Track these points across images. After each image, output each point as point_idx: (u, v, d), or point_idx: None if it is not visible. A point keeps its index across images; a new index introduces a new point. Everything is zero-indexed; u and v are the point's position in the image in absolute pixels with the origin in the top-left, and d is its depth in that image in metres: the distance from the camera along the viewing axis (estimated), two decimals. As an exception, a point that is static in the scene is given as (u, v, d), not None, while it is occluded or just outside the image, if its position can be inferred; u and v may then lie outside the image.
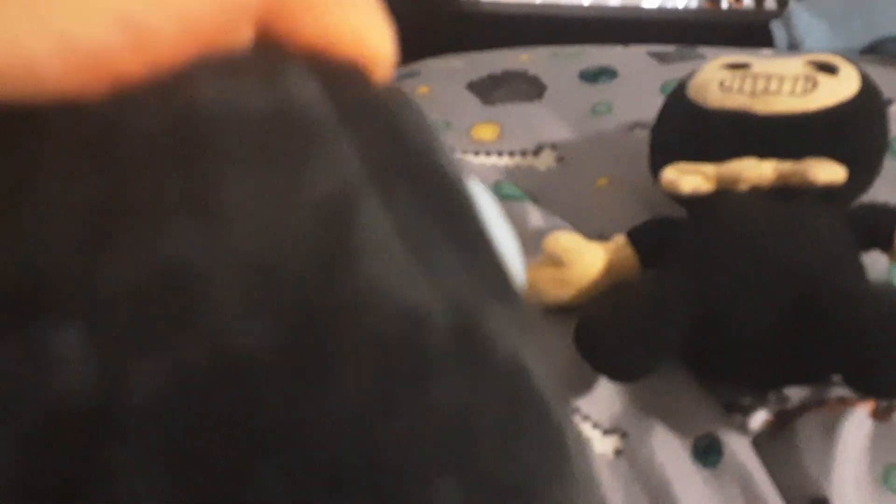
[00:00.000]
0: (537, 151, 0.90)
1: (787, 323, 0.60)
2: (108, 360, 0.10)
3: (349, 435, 0.10)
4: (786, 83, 0.69)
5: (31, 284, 0.10)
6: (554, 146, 0.90)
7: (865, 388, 0.58)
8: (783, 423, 0.62)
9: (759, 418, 0.62)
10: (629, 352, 0.63)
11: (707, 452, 0.61)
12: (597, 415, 0.65)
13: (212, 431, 0.10)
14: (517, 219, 0.81)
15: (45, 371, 0.09)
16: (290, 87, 0.12)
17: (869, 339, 0.56)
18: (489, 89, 0.99)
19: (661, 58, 1.00)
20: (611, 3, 1.40)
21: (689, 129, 0.72)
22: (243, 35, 0.12)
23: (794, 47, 1.06)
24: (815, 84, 0.69)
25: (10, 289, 0.10)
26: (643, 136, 0.80)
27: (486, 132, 0.93)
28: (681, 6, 1.38)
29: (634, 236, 0.71)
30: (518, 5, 1.33)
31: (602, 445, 0.64)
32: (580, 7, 1.35)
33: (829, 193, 0.65)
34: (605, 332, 0.63)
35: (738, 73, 0.72)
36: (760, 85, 0.70)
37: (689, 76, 0.76)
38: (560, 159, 0.89)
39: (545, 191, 0.86)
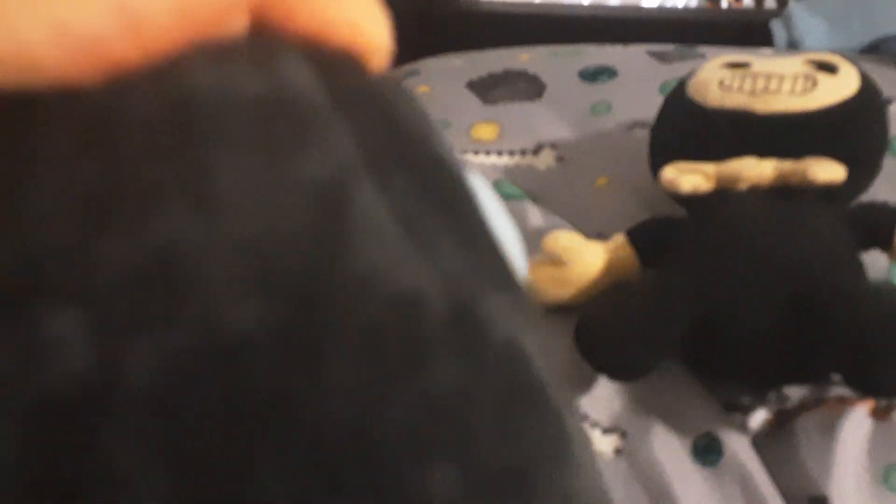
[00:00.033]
0: (537, 151, 0.90)
1: (786, 322, 0.60)
2: (103, 343, 0.10)
3: (343, 419, 0.10)
4: (785, 82, 0.69)
5: (26, 269, 0.10)
6: (553, 145, 0.90)
7: (865, 387, 0.58)
8: (783, 422, 0.62)
9: (758, 417, 0.62)
10: (629, 351, 0.63)
11: (707, 451, 0.61)
12: (596, 414, 0.65)
13: (206, 414, 0.10)
14: (517, 218, 0.81)
15: (41, 355, 0.09)
16: (284, 74, 0.12)
17: (868, 338, 0.56)
18: (489, 88, 0.99)
19: (661, 57, 1.00)
20: (610, 2, 1.40)
21: (688, 128, 0.72)
22: (238, 23, 0.12)
23: (793, 47, 1.06)
24: (814, 83, 0.69)
25: (4, 273, 0.10)
26: (643, 135, 0.80)
27: (485, 131, 0.93)
28: (680, 5, 1.38)
29: (634, 235, 0.71)
30: (518, 4, 1.33)
31: (602, 444, 0.64)
32: (580, 6, 1.35)
33: (828, 192, 0.65)
34: (605, 332, 0.63)
35: (738, 72, 0.72)
36: (760, 84, 0.70)
37: (689, 75, 0.76)
38: (560, 159, 0.89)
39: (545, 190, 0.86)
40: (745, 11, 1.36)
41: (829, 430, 0.60)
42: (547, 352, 0.13)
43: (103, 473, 0.09)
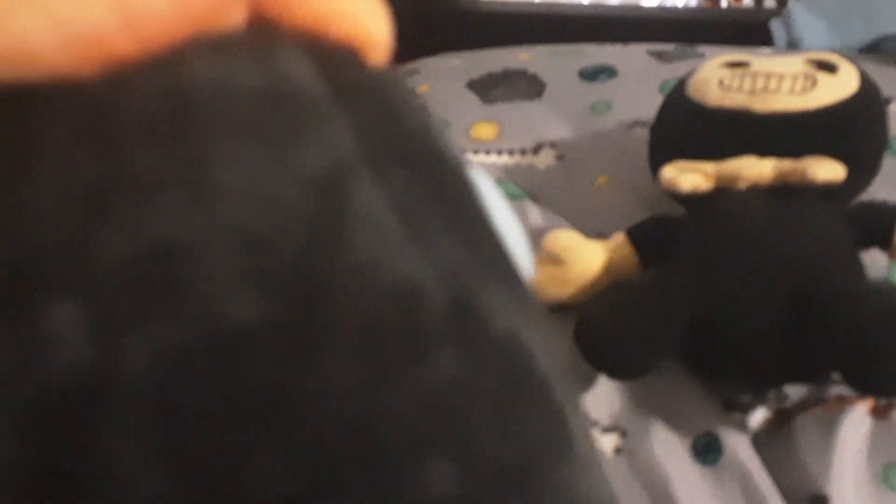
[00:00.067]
0: (537, 150, 0.90)
1: (786, 321, 0.60)
2: (102, 338, 0.10)
3: (340, 411, 0.10)
4: (785, 82, 0.69)
5: (24, 262, 0.10)
6: (553, 145, 0.90)
7: (864, 386, 0.58)
8: (782, 421, 0.62)
9: (758, 416, 0.62)
10: (629, 350, 0.63)
11: (706, 450, 0.61)
12: (596, 413, 0.65)
13: (205, 410, 0.10)
14: (517, 217, 0.81)
15: (40, 350, 0.09)
16: (282, 67, 0.12)
17: (868, 337, 0.56)
18: (489, 88, 0.99)
19: (661, 56, 1.00)
20: (610, 1, 1.40)
21: (688, 127, 0.72)
22: (236, 16, 0.12)
23: (793, 46, 1.06)
24: (814, 82, 0.69)
25: (6, 266, 0.10)
26: (643, 134, 0.80)
27: (485, 131, 0.93)
28: (680, 5, 1.38)
29: (634, 234, 0.71)
30: (518, 4, 1.33)
31: (601, 443, 0.64)
32: (580, 5, 1.35)
33: (828, 192, 0.65)
34: (605, 331, 0.63)
35: (738, 71, 0.72)
36: (760, 83, 0.70)
37: (689, 74, 0.76)
38: (559, 158, 0.89)
39: (545, 189, 0.86)
40: (745, 11, 1.36)
41: (829, 429, 0.60)
42: (548, 349, 0.12)
43: (102, 470, 0.09)
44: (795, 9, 1.09)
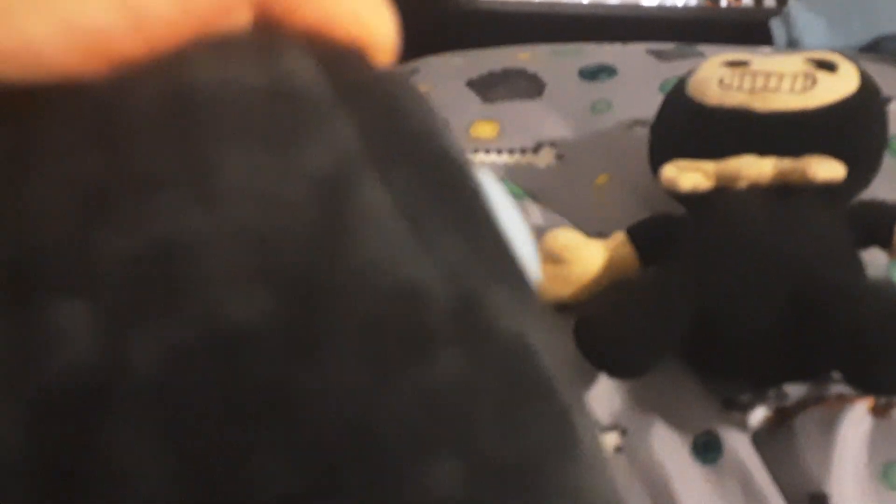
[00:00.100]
0: (537, 149, 0.90)
1: (786, 320, 0.60)
2: (107, 334, 0.10)
3: (341, 410, 0.10)
4: (785, 80, 0.69)
5: (28, 261, 0.10)
6: (553, 144, 0.90)
7: (864, 385, 0.58)
8: (782, 419, 0.62)
9: (758, 415, 0.62)
10: (629, 349, 0.63)
11: (707, 449, 0.62)
12: (596, 412, 0.65)
13: (207, 407, 0.10)
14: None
15: (44, 347, 0.10)
16: (287, 67, 0.12)
17: (868, 336, 0.56)
18: (489, 87, 0.99)
19: (661, 56, 1.00)
20: (610, 1, 1.40)
21: (688, 126, 0.72)
22: (241, 16, 0.12)
23: (793, 45, 1.06)
24: (814, 81, 0.69)
25: (10, 265, 0.10)
26: (643, 133, 0.80)
27: (485, 130, 0.93)
28: (680, 4, 1.38)
29: (634, 233, 0.71)
30: (518, 3, 1.33)
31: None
32: (579, 5, 1.35)
33: (828, 191, 0.65)
34: (605, 330, 0.63)
35: (738, 70, 0.72)
36: (760, 82, 0.70)
37: (689, 74, 0.76)
38: (560, 157, 0.89)
39: (545, 188, 0.86)
40: (745, 10, 1.36)
41: (829, 427, 0.60)
42: (553, 347, 0.12)
43: (105, 467, 0.09)
44: (795, 8, 1.09)
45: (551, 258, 0.69)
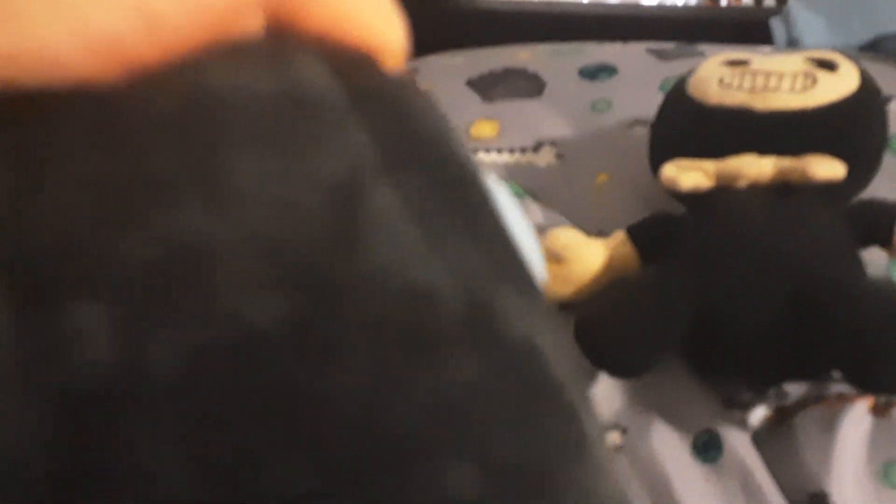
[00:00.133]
0: (537, 148, 0.90)
1: (786, 319, 0.60)
2: (125, 336, 0.10)
3: (357, 411, 0.10)
4: (785, 80, 0.69)
5: (49, 263, 0.10)
6: (553, 143, 0.90)
7: (864, 384, 0.58)
8: (783, 418, 0.62)
9: (758, 414, 0.63)
10: (629, 348, 0.63)
11: (707, 448, 0.62)
12: (596, 411, 0.65)
13: (225, 404, 0.10)
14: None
15: (66, 348, 0.10)
16: (300, 73, 0.12)
17: (868, 335, 0.56)
18: (489, 86, 0.99)
19: (661, 55, 1.01)
20: (610, 0, 1.40)
21: (688, 125, 0.72)
22: (254, 22, 0.12)
23: (793, 44, 1.06)
24: (814, 81, 0.69)
25: (29, 267, 0.10)
26: (643, 132, 0.80)
27: (485, 129, 0.93)
28: (680, 3, 1.38)
29: (634, 233, 0.71)
30: (518, 3, 1.33)
31: (602, 441, 0.64)
32: (579, 4, 1.35)
33: (828, 190, 0.65)
34: (605, 329, 0.63)
35: (738, 69, 0.72)
36: (760, 81, 0.70)
37: (689, 73, 0.76)
38: (560, 156, 0.89)
39: (545, 188, 0.86)
40: (745, 10, 1.36)
41: (829, 426, 0.60)
42: (561, 349, 0.13)
43: (125, 464, 0.09)
44: (795, 7, 1.09)
45: (552, 257, 0.70)
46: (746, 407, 0.63)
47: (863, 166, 0.69)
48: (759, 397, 0.63)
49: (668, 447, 0.62)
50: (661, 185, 0.70)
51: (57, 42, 0.10)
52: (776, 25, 1.09)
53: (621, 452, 0.63)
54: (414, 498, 0.10)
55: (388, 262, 0.11)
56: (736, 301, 0.62)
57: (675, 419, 0.64)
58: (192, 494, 0.10)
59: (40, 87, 0.11)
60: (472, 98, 0.98)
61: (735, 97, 0.70)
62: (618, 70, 0.98)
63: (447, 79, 1.02)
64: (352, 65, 0.13)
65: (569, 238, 0.70)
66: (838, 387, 0.62)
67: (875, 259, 0.68)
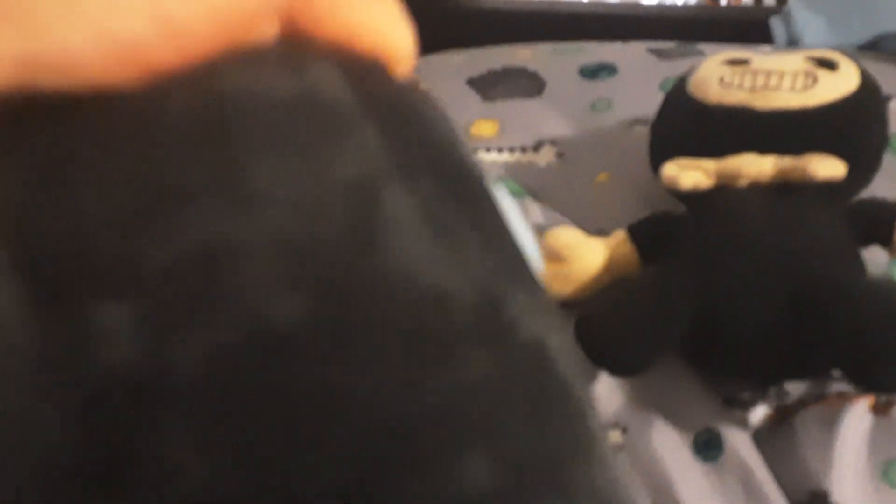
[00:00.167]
0: (537, 147, 0.91)
1: (786, 318, 0.60)
2: (151, 336, 0.10)
3: (380, 408, 0.10)
4: (786, 79, 0.70)
5: (77, 263, 0.10)
6: (554, 142, 0.91)
7: (865, 383, 0.59)
8: (783, 417, 0.62)
9: (759, 413, 0.63)
10: (629, 347, 0.63)
11: (707, 447, 0.62)
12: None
13: (250, 404, 0.10)
14: (517, 215, 0.81)
15: (93, 347, 0.10)
16: (315, 78, 0.12)
17: (868, 334, 0.56)
18: (489, 85, 0.99)
19: (661, 54, 1.01)
20: (609, 0, 1.40)
21: (689, 124, 0.72)
22: (269, 29, 0.13)
23: (792, 44, 1.06)
24: (814, 80, 0.69)
25: (55, 269, 0.10)
26: (643, 132, 0.80)
27: (485, 128, 0.93)
28: (680, 3, 1.38)
29: (634, 232, 0.71)
30: (517, 2, 1.33)
31: (602, 440, 0.64)
32: (579, 4, 1.35)
33: (828, 189, 0.65)
34: (606, 328, 0.63)
35: (739, 68, 0.72)
36: (760, 81, 0.70)
37: (690, 72, 0.76)
38: (560, 155, 0.89)
39: (545, 187, 0.86)
40: (744, 9, 1.36)
41: (829, 425, 0.60)
42: (567, 349, 0.13)
43: (152, 462, 0.10)
44: (795, 6, 1.09)
45: (552, 256, 0.70)
46: (747, 406, 0.63)
47: (863, 165, 0.69)
48: (760, 396, 0.63)
49: (669, 446, 0.62)
50: (661, 184, 0.70)
51: (76, 46, 0.11)
52: (776, 25, 1.09)
53: (622, 451, 0.63)
54: (433, 491, 0.10)
55: (404, 263, 0.11)
56: (736, 300, 0.62)
57: (675, 418, 0.64)
58: (219, 490, 0.10)
59: (61, 92, 0.11)
60: (473, 97, 0.98)
61: (735, 96, 0.70)
62: (618, 69, 0.98)
63: (447, 78, 1.02)
64: (364, 71, 0.13)
65: (569, 237, 0.70)
66: (838, 386, 0.63)
67: (875, 258, 0.68)
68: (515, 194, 0.85)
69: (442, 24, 1.22)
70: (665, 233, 0.70)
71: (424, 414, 0.11)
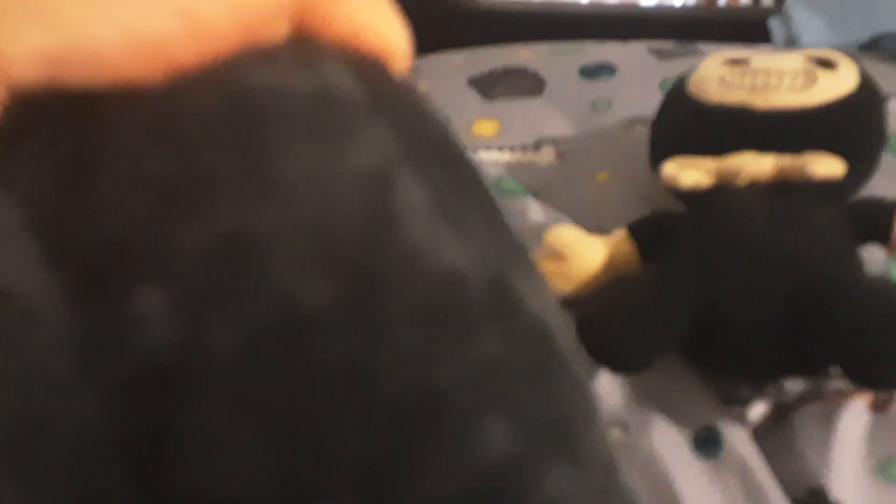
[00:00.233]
0: (537, 147, 0.91)
1: (785, 316, 0.61)
2: (186, 319, 0.11)
3: (409, 380, 0.11)
4: (785, 78, 0.70)
5: (111, 252, 0.11)
6: (554, 141, 0.91)
7: (863, 380, 0.59)
8: (782, 414, 0.63)
9: (758, 410, 0.63)
10: (630, 344, 0.63)
11: (707, 444, 0.62)
12: (597, 407, 0.65)
13: (285, 380, 0.11)
14: (518, 214, 0.82)
15: (131, 330, 0.10)
16: (327, 74, 0.13)
17: (867, 332, 0.56)
18: (489, 85, 1.00)
19: (660, 54, 1.01)
20: (609, 0, 1.40)
21: (689, 124, 0.73)
22: (281, 28, 0.13)
23: (791, 44, 1.07)
24: (814, 79, 0.70)
25: (91, 256, 0.11)
26: (643, 131, 0.80)
27: (486, 127, 0.94)
28: (678, 3, 1.38)
29: (635, 230, 0.72)
30: (518, 2, 1.34)
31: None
32: (578, 4, 1.36)
33: (827, 188, 0.66)
34: (606, 325, 0.64)
35: (738, 68, 0.72)
36: (760, 80, 0.70)
37: (689, 72, 0.76)
38: (560, 155, 0.90)
39: (545, 186, 0.86)
40: (743, 9, 1.36)
41: (828, 422, 0.61)
42: (564, 325, 0.14)
43: (190, 439, 0.10)
44: (794, 6, 1.09)
45: (553, 254, 0.70)
46: (746, 403, 0.63)
47: (862, 164, 0.69)
48: (759, 393, 0.64)
49: (669, 443, 0.62)
50: (661, 183, 0.70)
51: (103, 42, 0.11)
52: (775, 24, 1.10)
53: (621, 449, 0.63)
54: (459, 455, 0.11)
55: (421, 245, 0.12)
56: (736, 298, 0.62)
57: (675, 416, 0.64)
58: (257, 465, 0.10)
59: (88, 88, 0.11)
60: (473, 97, 0.98)
61: (735, 95, 0.70)
62: (618, 69, 0.99)
63: (448, 78, 1.02)
64: (368, 68, 0.14)
65: (569, 235, 0.71)
66: (837, 383, 0.63)
67: (874, 256, 0.68)
68: (516, 193, 0.85)
69: (442, 24, 1.22)
70: (665, 231, 0.70)
71: (452, 383, 0.11)
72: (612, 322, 0.64)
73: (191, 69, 0.12)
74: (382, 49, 0.14)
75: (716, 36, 1.08)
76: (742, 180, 0.67)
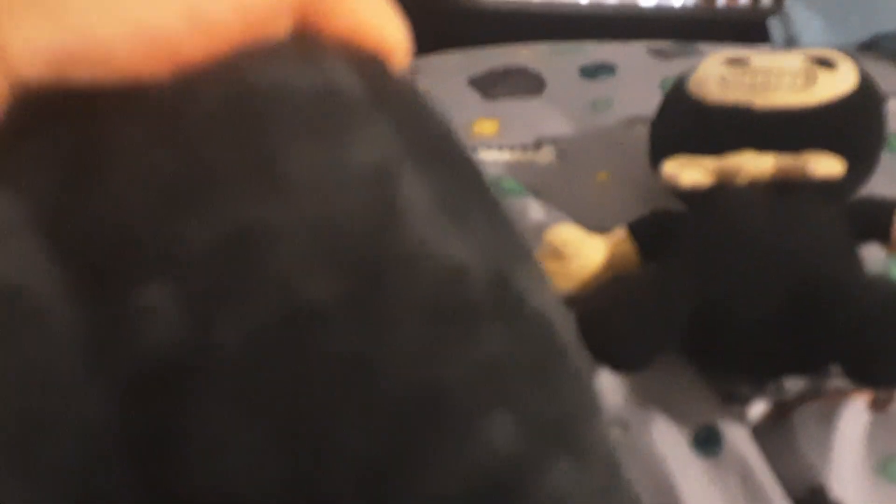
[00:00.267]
0: (538, 146, 0.91)
1: (785, 315, 0.61)
2: (193, 314, 0.11)
3: (412, 376, 0.11)
4: (785, 78, 0.70)
5: (118, 247, 0.11)
6: (554, 141, 0.91)
7: (863, 378, 0.59)
8: (782, 413, 0.63)
9: (758, 409, 0.63)
10: (630, 343, 0.63)
11: (707, 442, 0.62)
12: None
13: (290, 375, 0.11)
14: (518, 213, 0.82)
15: (135, 328, 0.10)
16: (330, 71, 0.13)
17: (867, 331, 0.57)
18: (490, 85, 1.00)
19: (660, 54, 1.01)
20: (608, 0, 1.40)
21: (689, 123, 0.73)
22: (284, 25, 0.13)
23: (790, 43, 1.07)
24: (814, 79, 0.70)
25: (97, 254, 0.11)
26: (643, 131, 0.81)
27: (486, 127, 0.94)
28: (678, 3, 1.38)
29: (635, 229, 0.72)
30: (518, 2, 1.34)
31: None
32: (578, 4, 1.36)
33: (827, 187, 0.66)
34: (606, 324, 0.64)
35: (738, 67, 0.73)
36: (760, 79, 0.70)
37: (689, 71, 0.76)
38: (560, 154, 0.90)
39: (546, 185, 0.87)
40: (742, 9, 1.36)
41: (828, 421, 0.61)
42: (565, 320, 0.14)
43: (196, 434, 0.10)
44: (793, 6, 1.09)
45: (553, 253, 0.70)
46: (746, 402, 0.63)
47: (861, 164, 0.69)
48: (759, 392, 0.64)
49: (669, 442, 0.63)
50: (661, 182, 0.70)
51: (111, 39, 0.11)
52: (774, 24, 1.10)
53: (621, 448, 0.63)
54: (464, 451, 0.11)
55: (424, 241, 0.12)
56: (736, 297, 0.62)
57: (675, 414, 0.64)
58: (261, 460, 0.10)
59: (95, 84, 0.11)
60: (473, 96, 0.98)
61: (735, 95, 0.70)
62: (618, 69, 0.99)
63: (448, 77, 1.02)
64: (370, 65, 0.14)
65: (570, 234, 0.71)
66: (837, 381, 0.63)
67: (873, 255, 0.68)
68: (516, 192, 0.85)
69: (442, 24, 1.22)
70: (665, 230, 0.70)
71: (453, 378, 0.11)
72: (613, 321, 0.64)
73: (196, 66, 0.12)
74: (383, 46, 0.14)
75: (715, 36, 1.08)
76: (742, 179, 0.67)
